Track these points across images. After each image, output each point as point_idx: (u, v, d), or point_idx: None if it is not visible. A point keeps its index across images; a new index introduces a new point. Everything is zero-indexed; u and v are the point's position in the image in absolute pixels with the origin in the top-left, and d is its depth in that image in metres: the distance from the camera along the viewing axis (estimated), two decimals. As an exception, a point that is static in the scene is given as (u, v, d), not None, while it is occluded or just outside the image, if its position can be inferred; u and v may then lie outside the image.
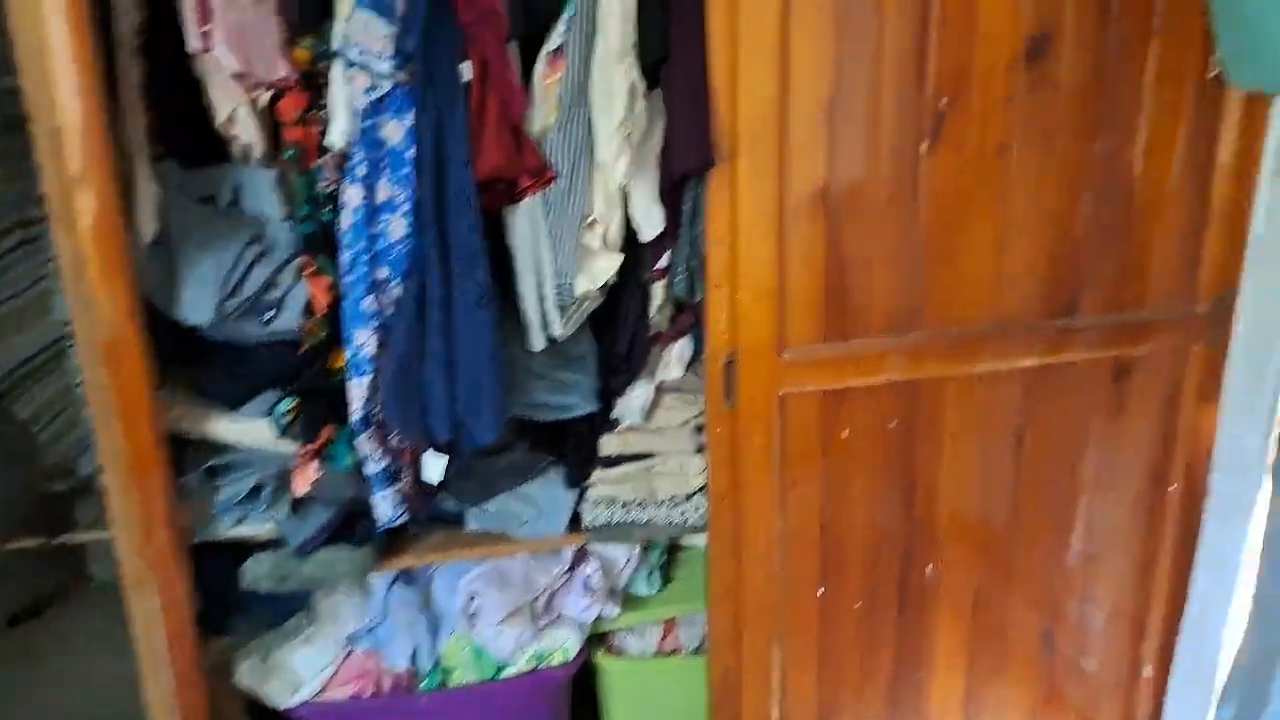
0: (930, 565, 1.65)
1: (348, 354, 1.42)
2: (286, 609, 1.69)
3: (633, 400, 1.60)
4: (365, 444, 1.45)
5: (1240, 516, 1.61)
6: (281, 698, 1.65)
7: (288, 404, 1.46)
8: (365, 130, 1.36)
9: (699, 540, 1.78)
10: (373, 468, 1.46)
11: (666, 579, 1.85)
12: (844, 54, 1.38)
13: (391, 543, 1.63)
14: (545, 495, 1.63)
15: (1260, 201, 1.52)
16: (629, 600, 1.80)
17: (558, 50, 1.42)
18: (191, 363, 1.50)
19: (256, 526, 1.54)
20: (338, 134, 1.37)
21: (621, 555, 1.78)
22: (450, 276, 1.38)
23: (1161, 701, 1.81)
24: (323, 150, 1.40)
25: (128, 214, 1.35)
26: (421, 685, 1.72)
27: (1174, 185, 1.52)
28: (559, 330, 1.48)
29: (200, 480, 1.52)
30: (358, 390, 1.42)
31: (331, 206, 1.42)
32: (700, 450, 1.63)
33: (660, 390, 1.64)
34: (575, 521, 1.67)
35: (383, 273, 1.40)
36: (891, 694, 1.73)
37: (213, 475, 1.53)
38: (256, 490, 1.53)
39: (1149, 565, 1.73)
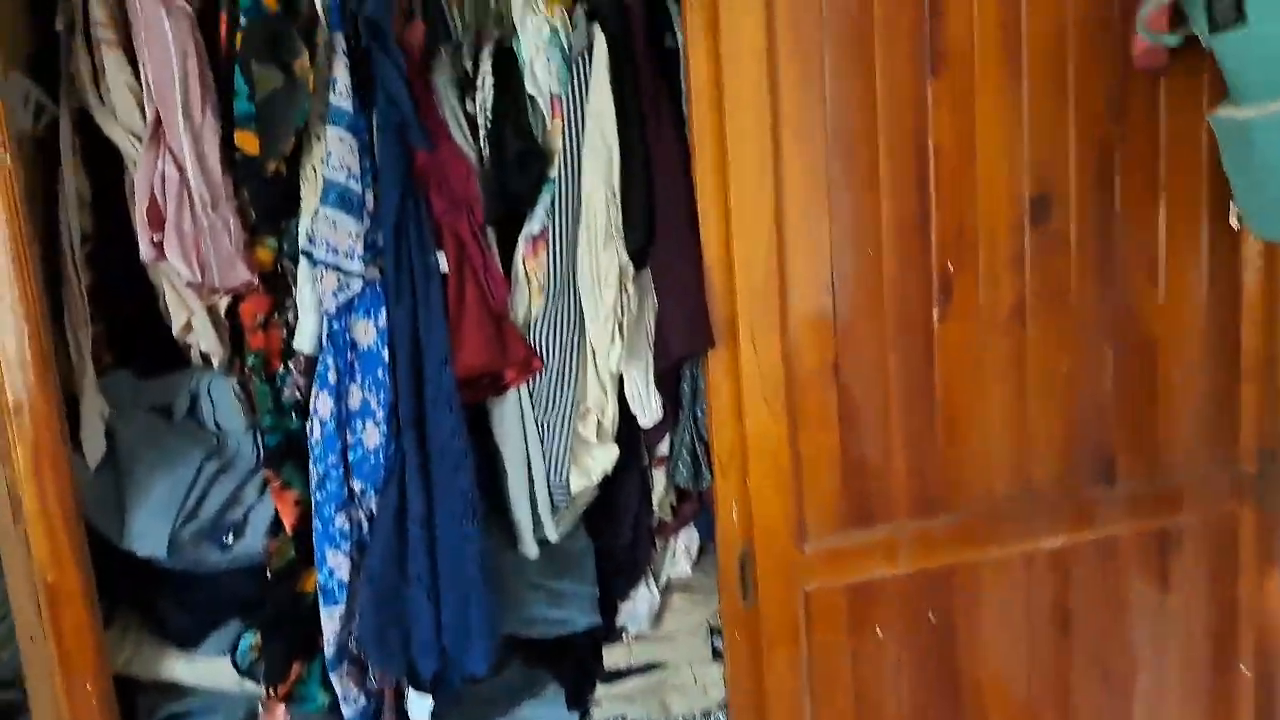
0: (982, 768, 1.47)
1: (319, 578, 1.26)
2: None
3: (638, 604, 1.45)
4: (340, 682, 1.27)
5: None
6: None
7: (251, 638, 1.30)
8: (335, 333, 1.25)
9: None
10: (350, 710, 1.28)
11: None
12: (843, 224, 1.31)
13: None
14: (545, 718, 1.44)
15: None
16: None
17: (539, 234, 1.34)
18: (142, 595, 1.34)
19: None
20: (306, 338, 1.26)
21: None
22: (431, 488, 1.25)
23: None
24: (288, 353, 1.29)
25: (73, 436, 1.22)
26: None
27: (1199, 338, 1.43)
28: (552, 534, 1.34)
29: (154, 732, 1.33)
30: (330, 620, 1.26)
31: (299, 414, 1.30)
32: (716, 656, 1.47)
33: (667, 590, 1.49)
34: (580, 746, 1.48)
35: (357, 485, 1.26)
36: None
37: (169, 725, 1.35)
38: (218, 739, 1.34)
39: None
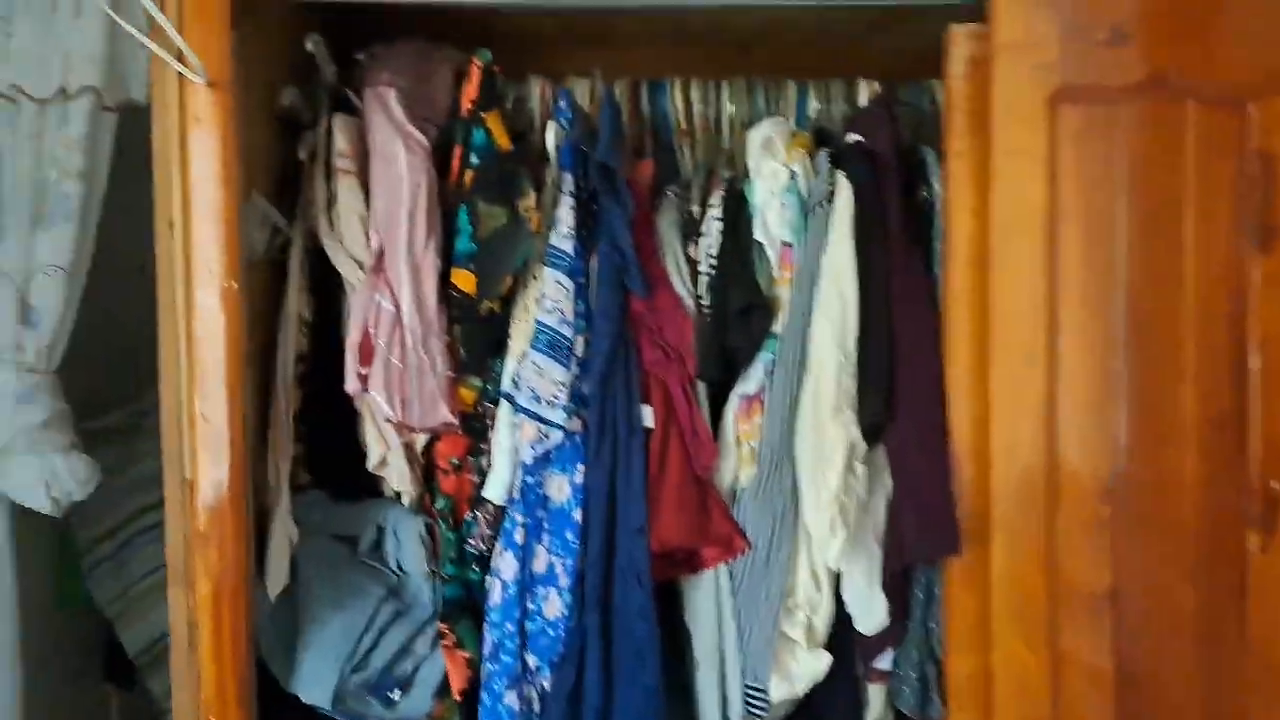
0: None
1: (481, 760, 1.13)
2: None
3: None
4: None
5: None
6: None
7: (401, 812, 1.18)
8: (528, 486, 1.15)
9: None
10: None
11: None
12: (1133, 417, 1.07)
13: None
14: None
15: None
16: None
17: (755, 394, 1.19)
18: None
19: None
20: (497, 487, 1.17)
21: None
22: (612, 677, 1.10)
23: None
24: (477, 501, 1.20)
25: (258, 555, 1.18)
26: None
27: None
28: (745, 746, 1.15)
29: None
30: (488, 811, 1.12)
31: (481, 567, 1.20)
32: None
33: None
34: None
35: (532, 661, 1.14)
36: None
37: None
38: None
39: None
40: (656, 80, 1.39)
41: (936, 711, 1.13)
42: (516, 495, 1.15)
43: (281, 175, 1.28)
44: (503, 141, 1.14)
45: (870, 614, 1.14)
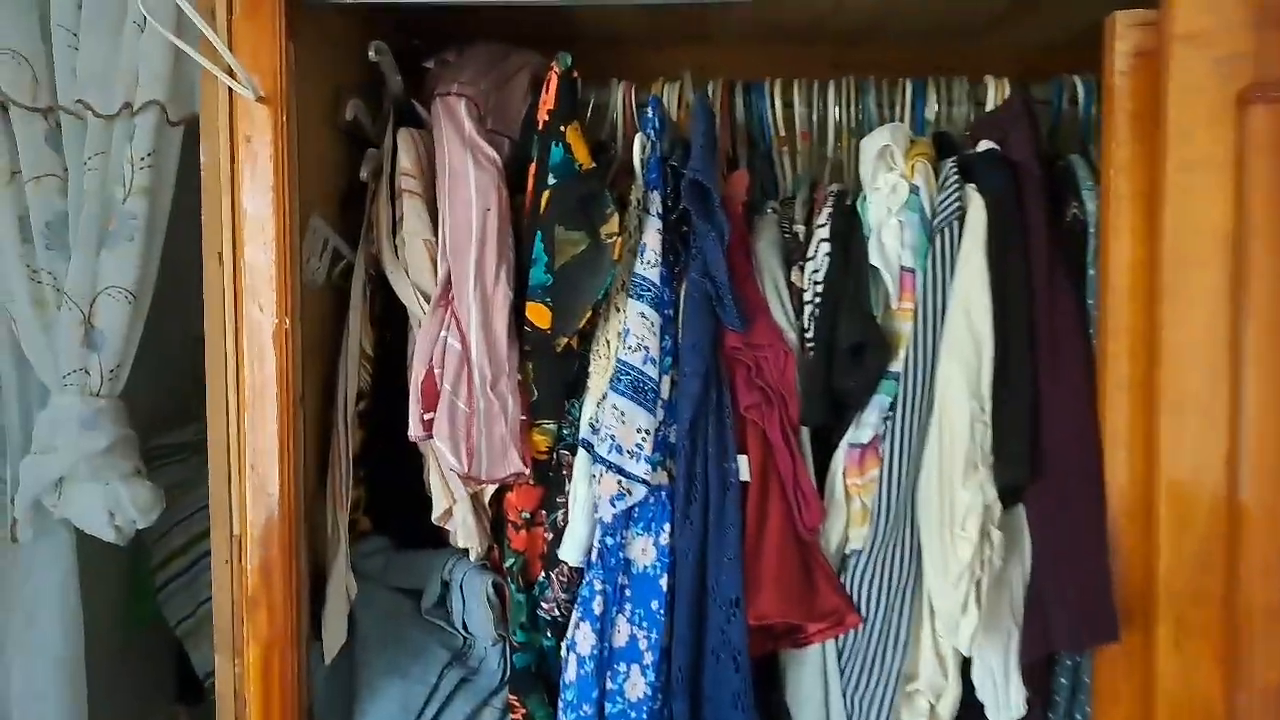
0: None
1: None
2: None
3: None
4: None
5: None
6: None
7: None
8: (608, 549, 1.02)
9: None
10: None
11: None
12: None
13: None
14: None
15: None
16: None
17: (869, 443, 1.04)
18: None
19: None
20: (574, 548, 1.04)
21: None
22: (703, 771, 0.96)
23: None
24: (551, 561, 1.07)
25: (312, 609, 1.08)
26: None
27: None
28: None
29: None
30: None
31: (555, 633, 1.08)
32: None
33: None
34: None
35: (610, 749, 1.01)
36: None
37: None
38: None
39: None
40: (752, 82, 1.24)
41: (1088, 828, 0.96)
42: (595, 557, 1.02)
43: (347, 193, 1.18)
44: (583, 158, 1.01)
45: (1005, 704, 0.97)
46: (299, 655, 1.01)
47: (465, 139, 1.07)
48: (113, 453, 1.11)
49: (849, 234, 1.08)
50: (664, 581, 1.00)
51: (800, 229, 1.14)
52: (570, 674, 1.01)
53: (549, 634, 1.08)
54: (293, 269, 0.99)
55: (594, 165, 1.02)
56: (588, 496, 1.03)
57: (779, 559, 1.00)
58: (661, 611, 1.00)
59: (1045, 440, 0.96)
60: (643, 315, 1.01)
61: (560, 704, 1.01)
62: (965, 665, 1.01)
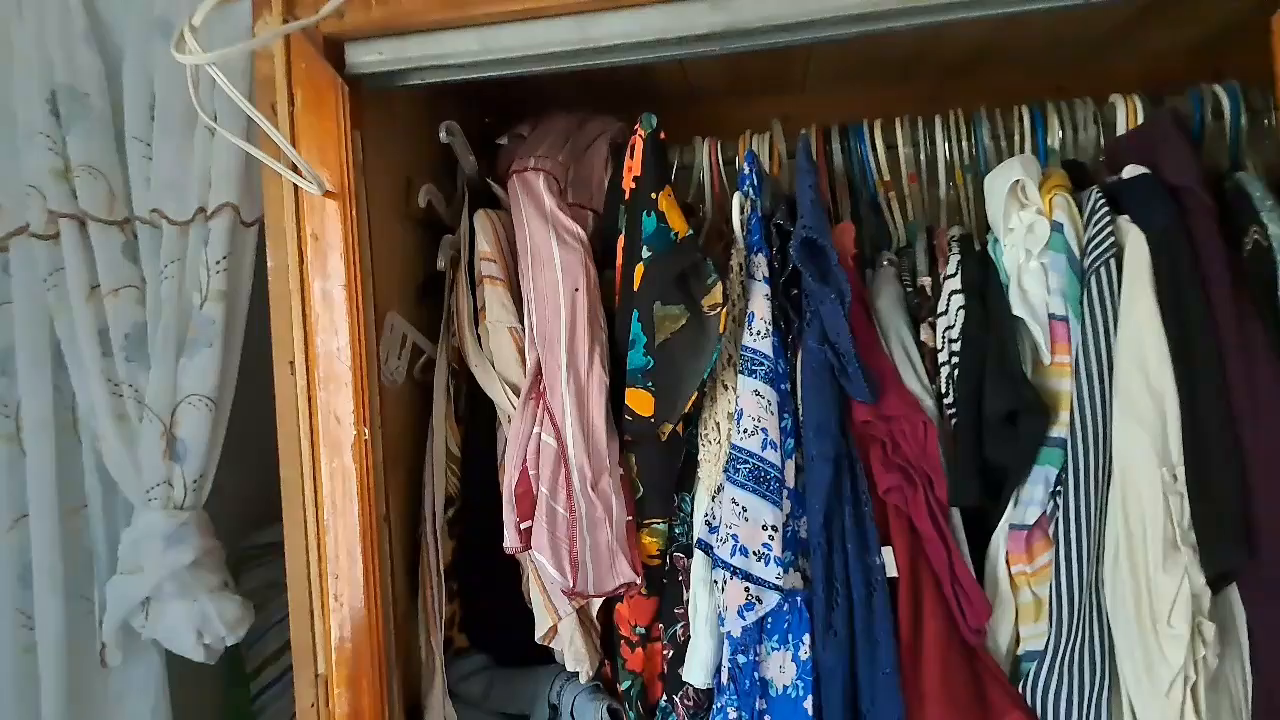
0: None
1: None
2: None
3: None
4: None
5: None
6: None
7: None
8: (740, 667, 0.88)
9: None
10: None
11: None
12: None
13: None
14: None
15: None
16: None
17: (1035, 524, 0.89)
18: None
19: None
20: (699, 667, 0.90)
21: None
22: None
23: None
24: (674, 683, 0.94)
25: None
26: None
27: None
28: None
29: None
30: None
31: (683, 766, 0.94)
32: None
33: None
34: None
35: None
36: None
37: None
38: None
39: None
40: (848, 125, 1.13)
41: None
42: (726, 679, 0.89)
43: (425, 284, 1.11)
44: (679, 226, 0.91)
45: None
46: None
47: (546, 215, 0.99)
48: (199, 567, 1.05)
49: (984, 282, 0.95)
50: (808, 705, 0.86)
51: (925, 281, 1.01)
52: (709, 819, 0.87)
53: (677, 767, 0.94)
54: (370, 373, 0.91)
55: (689, 232, 0.92)
56: (710, 606, 0.90)
57: (943, 670, 0.85)
58: (808, 740, 0.85)
59: (1256, 509, 0.80)
60: (756, 393, 0.89)
61: None
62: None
